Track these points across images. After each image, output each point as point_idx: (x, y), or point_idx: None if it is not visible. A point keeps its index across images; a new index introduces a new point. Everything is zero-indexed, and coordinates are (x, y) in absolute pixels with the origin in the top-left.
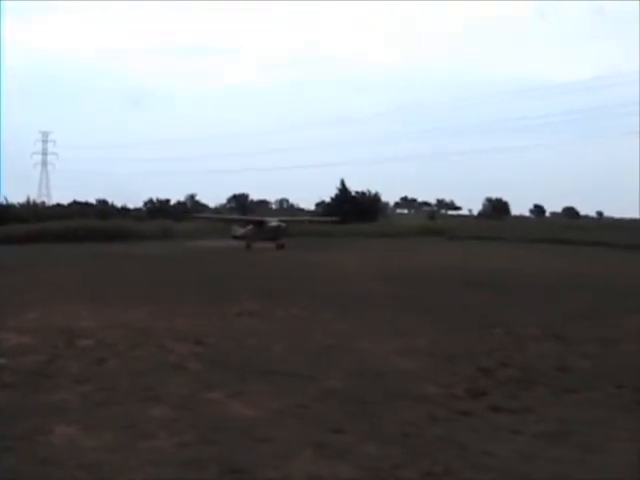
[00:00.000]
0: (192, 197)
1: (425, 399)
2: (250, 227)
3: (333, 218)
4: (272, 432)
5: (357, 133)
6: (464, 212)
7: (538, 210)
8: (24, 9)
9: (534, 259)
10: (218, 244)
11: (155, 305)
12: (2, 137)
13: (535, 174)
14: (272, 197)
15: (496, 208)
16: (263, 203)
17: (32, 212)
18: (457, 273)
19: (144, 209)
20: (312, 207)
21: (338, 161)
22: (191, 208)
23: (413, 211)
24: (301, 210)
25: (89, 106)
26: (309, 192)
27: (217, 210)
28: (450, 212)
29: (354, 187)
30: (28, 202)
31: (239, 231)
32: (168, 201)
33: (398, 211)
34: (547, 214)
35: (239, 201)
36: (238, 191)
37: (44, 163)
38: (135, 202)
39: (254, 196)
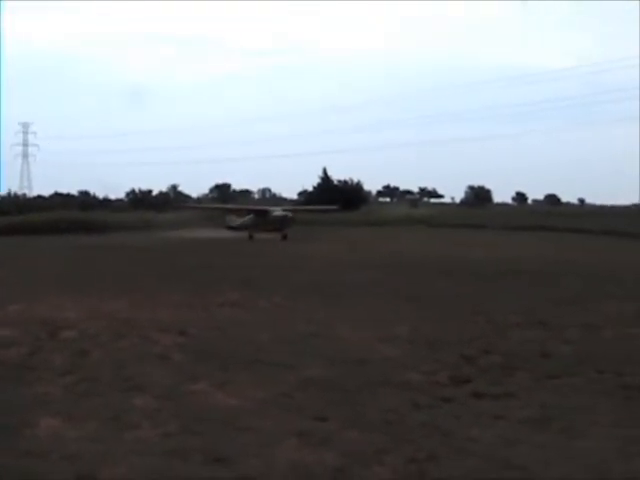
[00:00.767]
0: (174, 187)
1: (408, 386)
2: (250, 217)
3: (333, 206)
4: (256, 421)
5: (340, 122)
6: (446, 200)
7: (520, 197)
8: None
9: (516, 246)
10: (204, 234)
11: (138, 296)
12: None
13: (517, 162)
14: (254, 187)
15: (478, 196)
16: (245, 193)
17: (13, 204)
18: (440, 261)
19: (126, 200)
20: (295, 196)
21: (321, 150)
22: (173, 198)
23: (396, 200)
24: (284, 199)
25: (70, 97)
26: (292, 181)
27: (199, 200)
28: (432, 200)
29: (336, 176)
30: (9, 194)
31: (236, 221)
32: (150, 192)
33: (381, 200)
34: (529, 201)
35: (221, 191)
36: (220, 181)
37: (25, 155)
38: (117, 193)
39: (236, 186)
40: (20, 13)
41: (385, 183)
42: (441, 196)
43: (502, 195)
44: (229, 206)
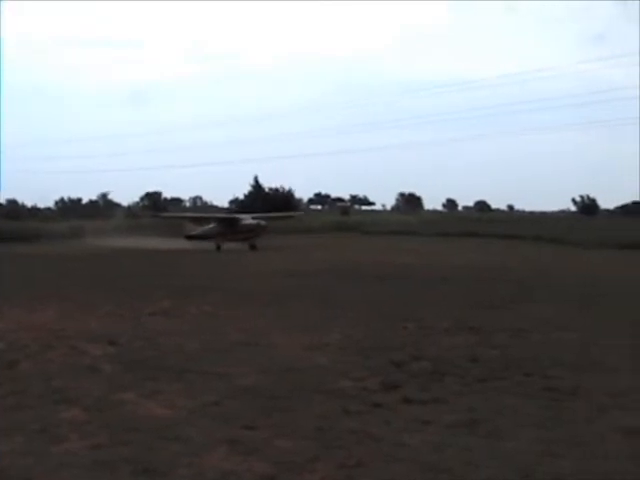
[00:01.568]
0: (104, 196)
1: (338, 393)
2: (213, 225)
3: (291, 213)
4: (185, 431)
5: (270, 129)
6: (378, 207)
7: (451, 204)
8: None
9: (447, 253)
10: (139, 243)
11: (67, 306)
12: None
13: (447, 169)
14: (185, 195)
15: (409, 203)
16: (176, 201)
17: None
18: (371, 268)
19: (55, 209)
20: (226, 204)
21: (252, 158)
22: (103, 207)
23: (327, 207)
24: (215, 207)
25: None
26: (223, 189)
27: (130, 208)
28: (364, 208)
29: (268, 183)
30: None
31: (195, 230)
32: (80, 200)
33: (312, 207)
34: (459, 208)
35: (152, 199)
36: (151, 189)
37: None
38: (46, 202)
39: (167, 194)
40: None
41: (316, 191)
42: (372, 203)
43: (433, 202)
44: (201, 215)
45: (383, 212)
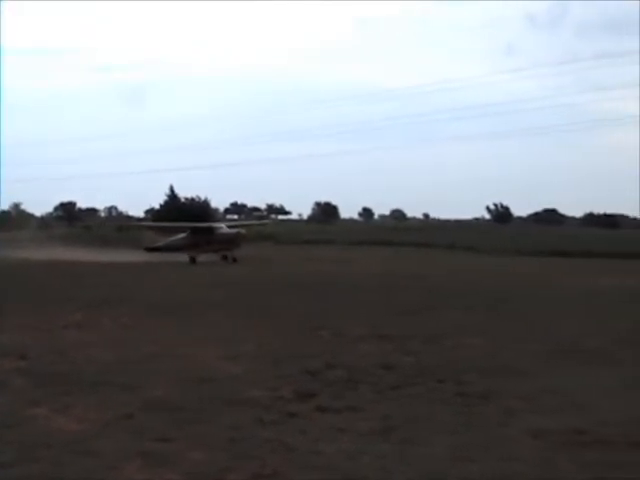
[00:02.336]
0: (17, 206)
1: (252, 403)
2: (182, 235)
3: (265, 221)
4: (98, 444)
5: (186, 138)
6: (294, 217)
7: (367, 213)
8: None
9: (364, 261)
10: (55, 255)
11: None
12: None
13: (363, 178)
14: (100, 205)
15: (325, 212)
16: (91, 211)
17: None
18: (286, 277)
19: None
20: (142, 214)
21: (167, 167)
22: (16, 217)
23: (244, 216)
24: (130, 217)
25: None
26: (138, 199)
27: (44, 219)
28: (280, 217)
29: (184, 193)
30: None
31: (158, 241)
32: None
33: (228, 217)
34: (376, 217)
35: (66, 209)
36: (65, 199)
37: None
38: None
39: (82, 204)
40: None
41: (233, 200)
42: (289, 212)
43: (349, 211)
44: (171, 225)
45: (300, 221)
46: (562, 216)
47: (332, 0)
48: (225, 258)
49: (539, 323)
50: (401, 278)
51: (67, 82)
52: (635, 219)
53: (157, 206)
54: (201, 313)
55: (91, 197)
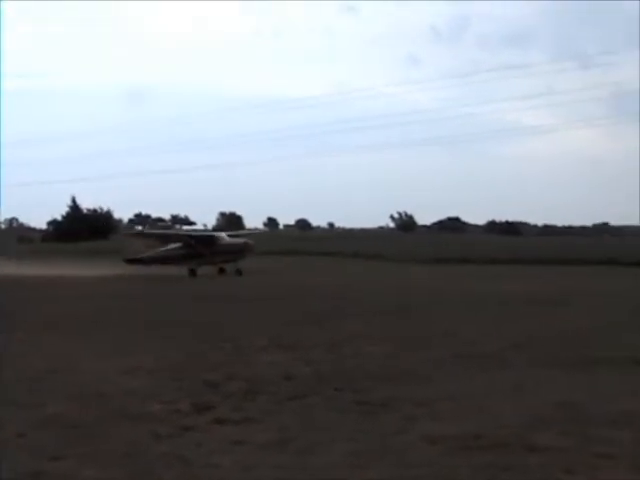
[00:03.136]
0: None
1: (149, 417)
2: (177, 246)
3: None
4: None
5: (88, 149)
6: (199, 227)
7: (272, 223)
8: None
9: (268, 271)
10: None
11: None
12: None
13: (268, 188)
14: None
15: (230, 222)
16: None
17: None
18: (193, 289)
19: None
20: (44, 226)
21: (69, 178)
22: None
23: (148, 227)
24: (32, 229)
25: None
26: (40, 210)
27: None
28: (185, 227)
29: (86, 204)
30: None
31: (145, 251)
32: None
33: (133, 227)
34: (281, 226)
35: None
36: None
37: None
38: None
39: None
40: None
41: (137, 211)
42: (193, 223)
43: (254, 221)
44: (167, 232)
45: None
46: (465, 224)
47: (236, 8)
48: (222, 271)
49: (440, 329)
50: (302, 288)
51: None
52: (536, 226)
53: (59, 217)
54: (97, 326)
55: None
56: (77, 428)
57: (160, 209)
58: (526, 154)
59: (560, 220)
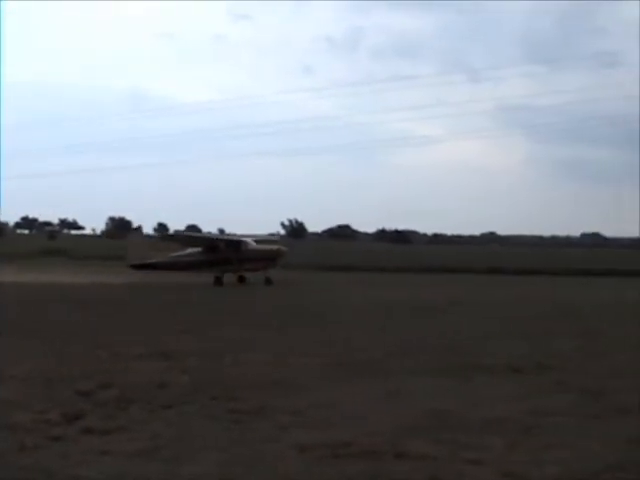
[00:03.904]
0: None
1: (16, 428)
2: (194, 251)
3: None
4: None
5: None
6: (88, 231)
7: (162, 228)
8: None
9: (152, 277)
10: None
11: None
12: None
13: (159, 192)
14: None
15: (119, 227)
16: None
17: None
18: (57, 293)
19: None
20: None
21: None
22: None
23: (35, 231)
24: None
25: None
26: None
27: None
28: (73, 232)
29: None
30: None
31: (153, 256)
32: None
33: (19, 231)
34: (171, 232)
35: None
36: None
37: None
38: None
39: None
40: None
41: (23, 214)
42: (82, 227)
43: (144, 226)
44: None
45: (93, 236)
46: (355, 232)
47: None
48: (242, 280)
49: (321, 337)
50: (184, 294)
51: None
52: (425, 235)
53: None
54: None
55: None
56: None
57: (49, 213)
58: (416, 163)
59: (449, 229)
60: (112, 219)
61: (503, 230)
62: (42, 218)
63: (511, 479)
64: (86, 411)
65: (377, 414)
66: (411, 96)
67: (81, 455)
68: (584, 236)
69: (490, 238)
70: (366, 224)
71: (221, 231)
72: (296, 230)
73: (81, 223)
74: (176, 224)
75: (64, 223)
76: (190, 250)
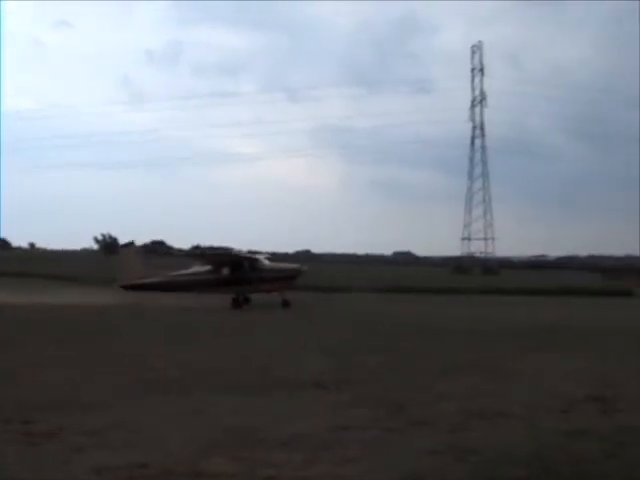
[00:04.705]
0: None
1: None
2: (200, 270)
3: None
4: None
5: None
6: None
7: None
8: None
9: None
10: None
11: None
12: None
13: None
14: None
15: None
16: None
17: None
18: None
19: None
20: None
21: None
22: None
23: None
24: None
25: None
26: None
27: None
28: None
29: None
30: None
31: (150, 276)
32: None
33: None
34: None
35: None
36: None
37: None
38: None
39: None
40: None
41: None
42: None
43: None
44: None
45: None
46: (170, 248)
47: None
48: (247, 301)
49: (124, 354)
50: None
51: None
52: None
53: None
54: None
55: None
56: None
57: None
58: (234, 181)
59: (264, 246)
60: None
61: (318, 248)
62: None
63: None
64: None
65: (177, 433)
66: (231, 113)
67: None
68: (396, 254)
69: (305, 256)
70: (181, 240)
71: (32, 245)
72: (109, 245)
73: None
74: None
75: None
76: (197, 268)
